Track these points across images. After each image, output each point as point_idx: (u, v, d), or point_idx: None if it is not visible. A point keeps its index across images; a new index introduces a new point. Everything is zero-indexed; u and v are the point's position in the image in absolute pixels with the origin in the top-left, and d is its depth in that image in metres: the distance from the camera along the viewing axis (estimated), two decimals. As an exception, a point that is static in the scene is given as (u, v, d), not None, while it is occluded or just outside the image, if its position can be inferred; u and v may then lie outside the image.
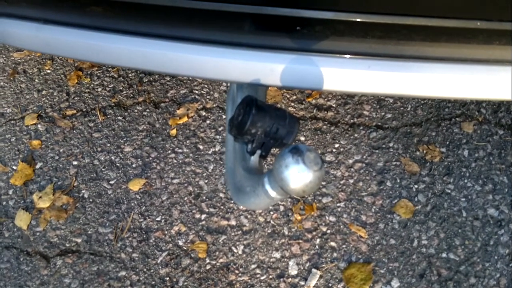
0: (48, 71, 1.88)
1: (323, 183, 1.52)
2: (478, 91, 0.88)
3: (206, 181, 1.54)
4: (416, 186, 1.50)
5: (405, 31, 0.83)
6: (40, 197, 1.53)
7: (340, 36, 0.87)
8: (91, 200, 1.52)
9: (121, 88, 1.80)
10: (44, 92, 1.81)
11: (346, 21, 0.83)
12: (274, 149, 0.93)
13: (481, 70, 0.87)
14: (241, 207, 1.48)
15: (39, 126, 1.71)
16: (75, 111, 1.74)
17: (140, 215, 1.48)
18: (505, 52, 0.86)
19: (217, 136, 1.64)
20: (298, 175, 0.70)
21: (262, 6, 0.84)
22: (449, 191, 1.49)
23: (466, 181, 1.51)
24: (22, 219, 1.49)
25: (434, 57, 0.86)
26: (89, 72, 1.86)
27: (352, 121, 1.66)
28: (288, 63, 0.89)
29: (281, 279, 1.35)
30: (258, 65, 0.91)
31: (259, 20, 0.88)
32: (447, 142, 1.59)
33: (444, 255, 1.37)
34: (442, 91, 0.87)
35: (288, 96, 1.73)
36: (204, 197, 1.51)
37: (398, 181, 1.51)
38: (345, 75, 0.89)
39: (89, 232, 1.46)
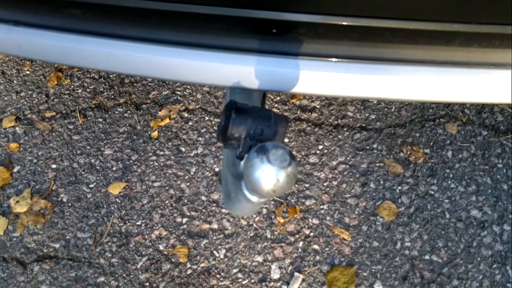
0: (27, 72, 1.84)
1: (306, 185, 1.50)
2: (457, 94, 0.87)
3: (188, 184, 1.52)
4: (399, 187, 1.49)
5: (383, 34, 0.82)
6: (17, 201, 1.49)
7: (318, 39, 0.85)
8: (70, 204, 1.49)
9: (101, 89, 1.77)
10: (22, 94, 1.77)
11: (324, 24, 0.82)
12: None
13: (461, 73, 0.85)
14: (223, 210, 1.46)
15: (17, 128, 1.68)
16: (54, 113, 1.71)
17: (120, 219, 1.46)
18: (485, 55, 0.84)
19: (200, 138, 1.62)
20: (265, 175, 0.68)
21: (237, 8, 0.81)
22: (432, 192, 1.48)
23: (449, 182, 1.50)
24: (-2, 224, 1.45)
25: (413, 60, 0.85)
26: (69, 73, 1.83)
27: (336, 122, 1.65)
28: (265, 66, 0.87)
29: (263, 283, 1.33)
30: (235, 68, 0.89)
31: (235, 23, 0.86)
32: (431, 143, 1.58)
33: (427, 257, 1.36)
34: (421, 94, 0.86)
35: (272, 97, 1.71)
36: (185, 201, 1.49)
37: (382, 182, 1.50)
38: (323, 78, 0.87)
39: (68, 237, 1.43)
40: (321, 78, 0.86)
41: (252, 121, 0.84)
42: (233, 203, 0.89)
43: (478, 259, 1.35)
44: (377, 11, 0.79)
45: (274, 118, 0.85)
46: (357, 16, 0.81)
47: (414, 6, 0.77)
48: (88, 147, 1.61)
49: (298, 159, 1.55)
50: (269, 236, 1.41)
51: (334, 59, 0.86)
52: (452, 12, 0.77)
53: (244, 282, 1.34)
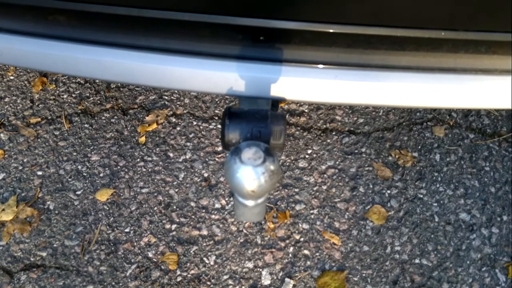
0: (11, 78, 1.81)
1: (296, 190, 1.50)
2: (445, 100, 0.87)
3: (177, 190, 1.51)
4: (388, 191, 1.49)
5: (371, 41, 0.82)
6: (3, 209, 1.47)
7: (306, 46, 0.85)
8: (56, 211, 1.47)
9: (87, 94, 1.75)
10: (6, 100, 1.74)
11: (311, 31, 0.81)
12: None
13: (448, 79, 0.86)
14: (213, 216, 1.45)
15: (1, 135, 1.65)
16: (39, 119, 1.68)
17: (108, 227, 1.44)
18: (471, 61, 0.85)
19: (188, 143, 1.60)
20: (241, 176, 0.67)
21: (224, 16, 0.81)
22: (421, 196, 1.49)
23: (438, 185, 1.50)
24: (-17, 234, 1.43)
25: (401, 66, 0.85)
26: (54, 79, 1.80)
27: (324, 126, 1.64)
28: (253, 72, 0.86)
29: (254, 290, 1.33)
30: (222, 74, 0.88)
31: (222, 30, 0.85)
32: (419, 147, 1.59)
33: (417, 261, 1.37)
34: (409, 100, 0.86)
35: (260, 101, 1.71)
36: (174, 207, 1.47)
37: (371, 186, 1.50)
38: (312, 85, 0.87)
39: (55, 245, 1.41)
40: (309, 84, 0.85)
41: (247, 124, 0.82)
42: (235, 210, 0.88)
43: (468, 262, 1.36)
44: (363, 19, 0.79)
45: (270, 117, 0.83)
46: (344, 24, 0.80)
47: (400, 14, 0.77)
48: (75, 153, 1.59)
49: (287, 164, 1.54)
50: (259, 241, 1.40)
51: (322, 66, 0.86)
52: (439, 20, 0.77)
53: (234, 289, 1.33)
